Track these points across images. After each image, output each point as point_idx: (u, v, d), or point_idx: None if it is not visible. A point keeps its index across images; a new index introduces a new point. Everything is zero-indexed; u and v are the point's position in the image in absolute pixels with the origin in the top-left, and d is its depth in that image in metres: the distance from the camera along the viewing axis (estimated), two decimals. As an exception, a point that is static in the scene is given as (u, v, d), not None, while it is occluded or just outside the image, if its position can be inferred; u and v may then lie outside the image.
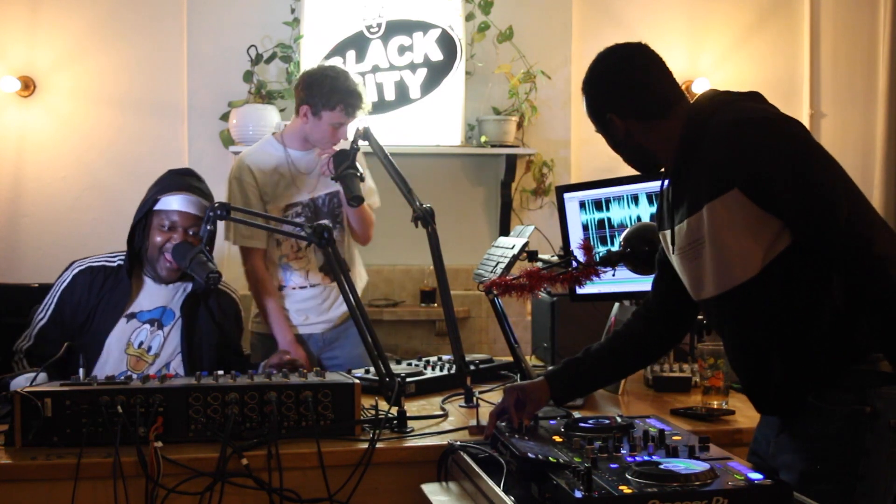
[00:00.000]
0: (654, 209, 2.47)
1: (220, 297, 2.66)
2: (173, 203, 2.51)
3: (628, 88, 1.80)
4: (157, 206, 2.51)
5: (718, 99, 1.76)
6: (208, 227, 2.25)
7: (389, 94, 4.79)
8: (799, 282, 1.66)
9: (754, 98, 1.75)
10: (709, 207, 1.67)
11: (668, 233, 1.85)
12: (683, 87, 5.04)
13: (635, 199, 2.52)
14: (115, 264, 2.56)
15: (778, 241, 1.64)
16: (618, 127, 1.82)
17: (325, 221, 2.99)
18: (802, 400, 1.70)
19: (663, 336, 2.04)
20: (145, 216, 2.52)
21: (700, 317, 2.42)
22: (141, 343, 2.52)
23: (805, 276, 1.65)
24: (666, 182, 1.88)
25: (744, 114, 1.68)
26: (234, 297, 2.75)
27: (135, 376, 2.46)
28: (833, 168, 1.64)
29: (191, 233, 2.51)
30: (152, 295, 2.57)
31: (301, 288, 3.05)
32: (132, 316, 2.53)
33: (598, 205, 2.59)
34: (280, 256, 3.06)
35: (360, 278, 3.20)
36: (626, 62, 1.81)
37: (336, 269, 2.26)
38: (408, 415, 2.12)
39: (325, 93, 2.91)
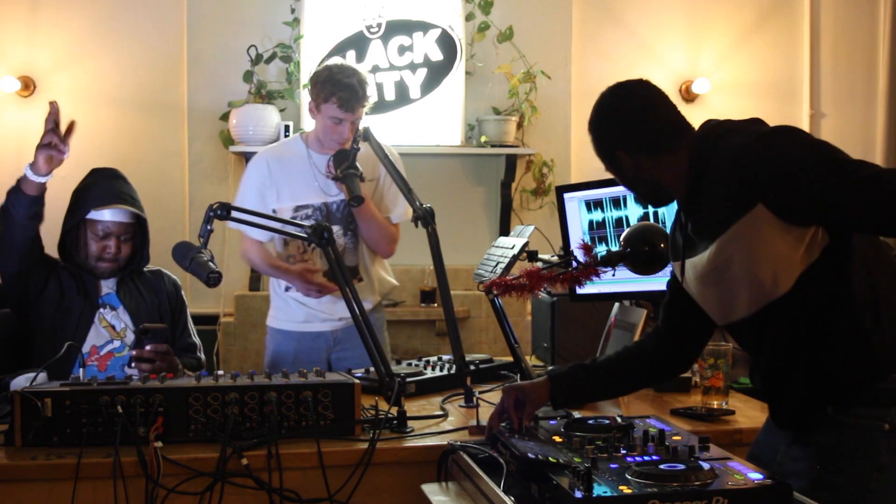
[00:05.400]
0: (653, 210, 2.47)
1: (144, 277, 2.78)
2: (107, 215, 2.64)
3: (635, 125, 1.80)
4: (90, 216, 2.63)
5: (721, 128, 1.76)
6: (208, 227, 2.25)
7: (389, 94, 4.79)
8: (825, 297, 1.65)
9: (757, 123, 1.74)
10: (736, 228, 1.66)
11: (687, 262, 1.84)
12: (683, 88, 5.07)
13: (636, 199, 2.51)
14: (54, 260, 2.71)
15: (807, 255, 1.63)
16: (627, 164, 1.81)
17: (336, 227, 2.98)
18: (821, 415, 1.70)
19: (673, 359, 2.03)
20: (76, 224, 2.65)
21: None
22: (107, 320, 2.68)
23: (831, 291, 1.65)
24: (678, 214, 1.88)
25: (752, 135, 1.68)
26: (161, 273, 2.85)
27: (118, 344, 2.64)
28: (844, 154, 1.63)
29: (122, 239, 2.66)
30: (100, 283, 2.73)
31: None
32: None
33: (613, 203, 2.58)
34: (287, 257, 3.05)
35: (382, 283, 3.17)
36: (630, 99, 1.82)
37: (336, 270, 2.26)
38: (408, 415, 2.12)
39: (321, 85, 2.91)
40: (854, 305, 1.65)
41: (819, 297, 1.65)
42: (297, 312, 3.06)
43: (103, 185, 2.67)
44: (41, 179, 2.48)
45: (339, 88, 2.87)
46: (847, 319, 1.65)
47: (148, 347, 2.48)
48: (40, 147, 2.43)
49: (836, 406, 1.68)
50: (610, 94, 1.84)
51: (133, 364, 2.47)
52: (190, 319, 2.86)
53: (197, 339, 2.83)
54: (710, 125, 1.79)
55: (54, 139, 2.42)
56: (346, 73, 2.90)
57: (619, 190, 2.55)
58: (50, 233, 2.70)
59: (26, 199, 2.49)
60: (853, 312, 1.65)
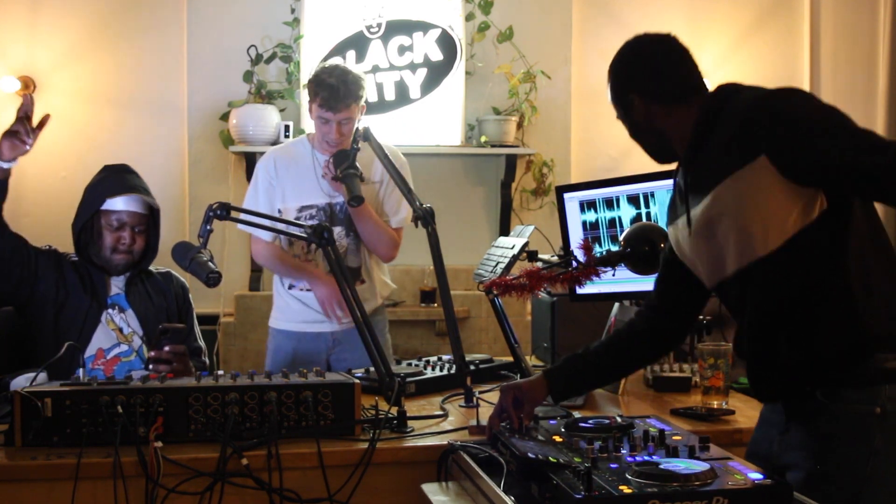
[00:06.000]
0: (646, 210, 2.47)
1: (153, 279, 2.79)
2: (120, 203, 2.64)
3: (653, 71, 1.83)
4: (105, 207, 2.63)
5: (733, 87, 1.79)
6: (208, 227, 2.25)
7: (389, 94, 4.79)
8: (817, 263, 1.65)
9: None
10: (734, 177, 1.66)
11: (681, 220, 1.84)
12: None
13: (635, 199, 2.51)
14: (75, 258, 2.71)
15: (802, 216, 1.63)
16: (639, 109, 1.84)
17: (338, 228, 2.99)
18: (805, 388, 1.69)
19: (665, 335, 2.04)
20: (91, 216, 2.65)
21: (700, 317, 2.41)
22: (114, 322, 2.67)
23: (824, 258, 1.65)
24: (678, 175, 1.88)
25: (763, 91, 1.70)
26: (171, 275, 2.85)
27: (125, 348, 2.63)
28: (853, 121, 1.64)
29: (136, 230, 2.66)
30: (110, 283, 2.73)
31: (308, 290, 3.04)
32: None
33: (606, 203, 2.58)
34: (293, 256, 3.05)
35: (384, 286, 3.18)
36: (653, 46, 1.86)
37: (336, 269, 2.26)
38: (408, 415, 2.12)
39: (309, 86, 2.96)
40: (846, 275, 1.64)
41: (811, 263, 1.65)
42: (297, 311, 3.07)
43: (116, 178, 2.68)
44: (6, 165, 2.47)
45: (321, 89, 2.89)
46: (837, 289, 1.64)
47: (166, 348, 2.48)
48: (6, 134, 2.43)
49: (824, 389, 1.67)
50: (635, 39, 1.88)
51: (151, 366, 2.47)
52: (196, 323, 2.86)
53: (203, 344, 2.83)
54: (725, 84, 1.81)
55: (21, 129, 2.41)
56: (329, 73, 2.92)
57: (612, 191, 2.55)
58: (60, 234, 2.71)
59: None
60: (844, 282, 1.64)
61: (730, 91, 1.77)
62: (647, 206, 2.49)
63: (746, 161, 1.64)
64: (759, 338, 1.75)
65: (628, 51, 1.88)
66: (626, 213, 2.53)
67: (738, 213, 1.67)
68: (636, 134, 1.90)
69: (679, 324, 2.03)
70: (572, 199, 2.64)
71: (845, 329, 1.65)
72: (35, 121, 2.44)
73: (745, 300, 1.76)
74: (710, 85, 1.83)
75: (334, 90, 2.88)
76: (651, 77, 1.83)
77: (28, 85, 4.72)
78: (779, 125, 1.62)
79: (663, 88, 1.82)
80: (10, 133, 2.42)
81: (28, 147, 2.44)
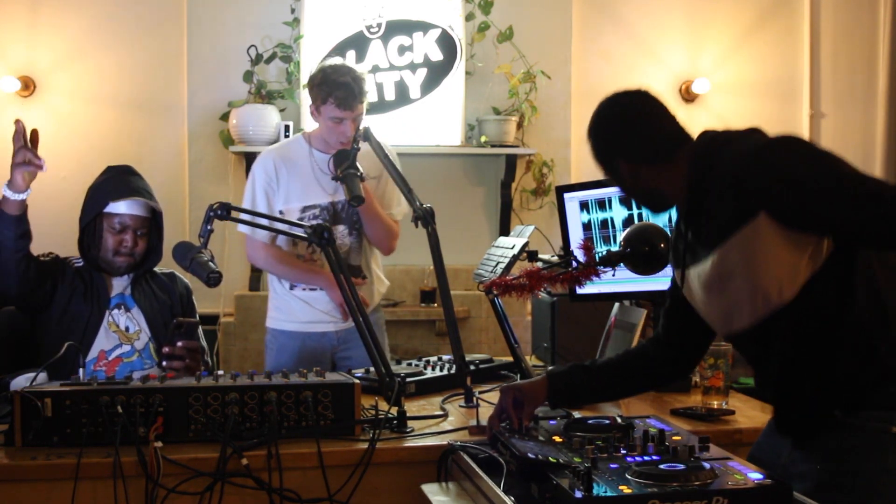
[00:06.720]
0: (638, 212, 2.47)
1: (158, 279, 2.79)
2: (123, 207, 2.62)
3: (634, 134, 1.80)
4: (107, 210, 2.62)
5: (721, 138, 1.76)
6: (208, 227, 2.25)
7: (389, 94, 4.79)
8: (831, 304, 1.65)
9: (756, 132, 1.74)
10: (737, 237, 1.66)
11: (690, 271, 1.83)
12: (683, 88, 5.07)
13: (627, 200, 2.51)
14: (80, 264, 2.70)
15: (812, 262, 1.63)
16: (626, 172, 1.82)
17: (342, 227, 3.00)
18: (828, 419, 1.69)
19: (673, 365, 2.03)
20: (93, 218, 2.64)
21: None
22: (117, 324, 2.66)
23: (837, 297, 1.65)
24: (680, 224, 1.88)
25: (753, 144, 1.67)
26: (175, 276, 2.84)
27: (127, 348, 2.62)
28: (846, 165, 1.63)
29: (139, 233, 2.65)
30: (112, 284, 2.72)
31: (311, 290, 3.04)
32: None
33: (599, 205, 2.59)
34: (297, 256, 3.05)
35: (381, 283, 3.19)
36: (631, 108, 1.82)
37: (336, 269, 2.26)
38: (408, 415, 2.12)
39: (318, 88, 2.93)
40: (859, 311, 1.64)
41: (823, 304, 1.65)
42: (300, 312, 3.07)
43: (119, 179, 2.67)
44: (21, 196, 2.45)
45: (335, 88, 2.88)
46: (852, 325, 1.65)
47: (179, 344, 2.47)
48: (16, 165, 2.42)
49: (843, 409, 1.67)
50: (609, 102, 1.84)
51: (164, 363, 2.47)
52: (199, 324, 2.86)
53: (205, 344, 2.83)
54: (710, 135, 1.78)
55: (28, 155, 2.40)
56: (340, 73, 2.91)
57: (606, 192, 2.55)
58: (60, 234, 2.70)
59: (10, 219, 2.46)
60: (858, 318, 1.65)
61: (717, 143, 1.74)
62: (639, 207, 2.48)
63: (747, 219, 1.63)
64: (787, 382, 1.75)
65: (605, 115, 1.84)
66: (618, 214, 2.54)
67: (749, 271, 1.67)
68: (629, 194, 1.89)
69: (686, 357, 2.03)
70: (572, 200, 2.64)
71: (863, 361, 1.66)
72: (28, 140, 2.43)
73: (764, 349, 1.76)
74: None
75: (350, 88, 2.89)
76: (633, 141, 1.80)
77: (28, 85, 4.73)
78: (774, 183, 1.60)
79: (647, 150, 1.79)
80: (20, 163, 2.40)
81: (43, 166, 2.42)
